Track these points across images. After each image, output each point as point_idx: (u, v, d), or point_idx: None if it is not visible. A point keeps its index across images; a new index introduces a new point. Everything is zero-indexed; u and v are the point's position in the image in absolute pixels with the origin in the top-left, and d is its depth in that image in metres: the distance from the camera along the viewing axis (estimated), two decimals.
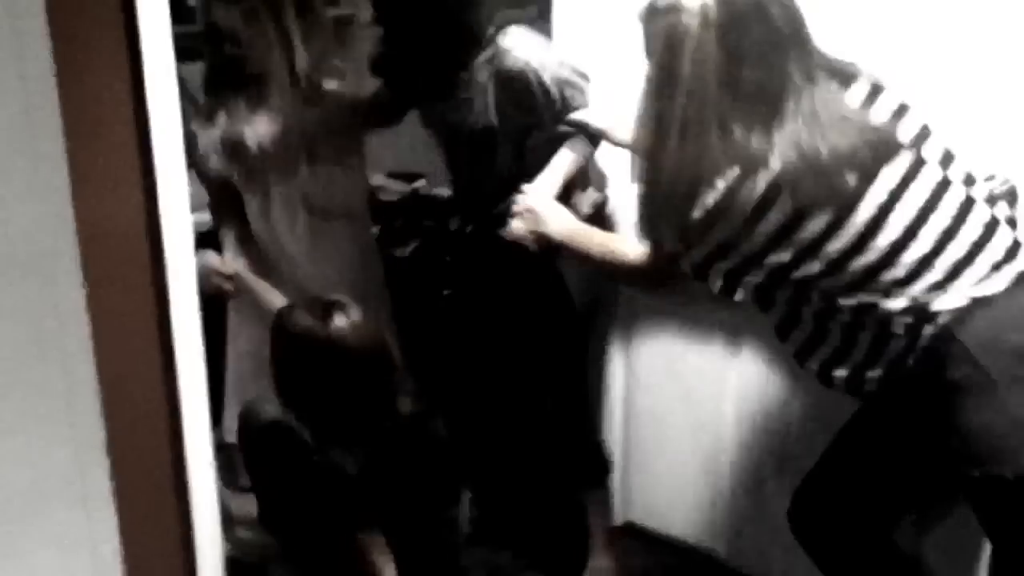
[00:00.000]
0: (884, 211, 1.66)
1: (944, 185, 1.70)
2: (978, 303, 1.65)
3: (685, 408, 2.50)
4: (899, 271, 1.67)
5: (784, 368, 2.28)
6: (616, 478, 2.68)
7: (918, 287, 1.66)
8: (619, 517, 2.71)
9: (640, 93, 1.78)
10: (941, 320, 1.65)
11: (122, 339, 1.55)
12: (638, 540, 2.68)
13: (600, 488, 2.68)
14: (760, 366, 2.34)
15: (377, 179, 4.14)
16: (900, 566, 1.91)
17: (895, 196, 1.66)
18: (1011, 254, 1.69)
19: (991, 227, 1.71)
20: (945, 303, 1.65)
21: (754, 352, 2.34)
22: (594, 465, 2.69)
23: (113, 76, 1.53)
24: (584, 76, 2.36)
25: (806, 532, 1.96)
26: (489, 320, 2.60)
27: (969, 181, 1.75)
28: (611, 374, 2.63)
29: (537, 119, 2.36)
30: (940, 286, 1.66)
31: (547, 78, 2.31)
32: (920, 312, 1.66)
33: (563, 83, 2.33)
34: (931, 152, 1.73)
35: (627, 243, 2.00)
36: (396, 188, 4.06)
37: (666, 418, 2.54)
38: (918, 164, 1.70)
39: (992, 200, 1.76)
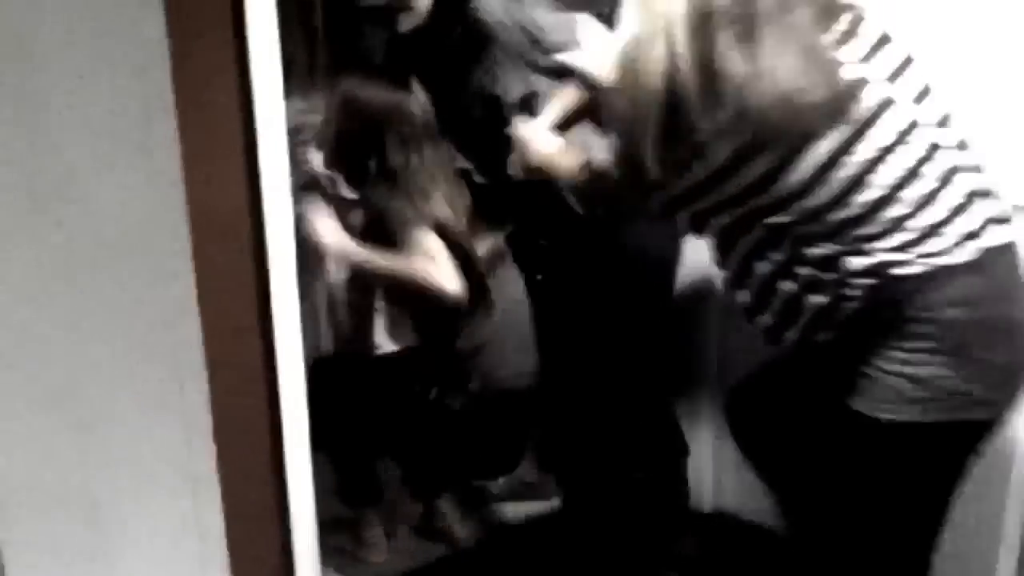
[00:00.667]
0: (870, 167, 1.63)
1: (934, 148, 1.68)
2: (941, 271, 1.66)
3: None
4: (874, 228, 1.65)
5: None
6: (708, 464, 2.67)
7: (886, 246, 1.66)
8: (709, 504, 2.70)
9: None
10: (900, 285, 1.66)
11: (228, 330, 1.60)
12: (728, 527, 2.67)
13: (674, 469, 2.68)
14: None
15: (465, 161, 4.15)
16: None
17: (883, 154, 1.64)
18: (983, 228, 1.69)
19: (971, 196, 1.69)
20: (908, 268, 1.65)
21: None
22: (670, 446, 2.68)
23: (222, 70, 1.57)
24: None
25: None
26: (582, 306, 2.60)
27: (962, 146, 1.72)
28: (709, 361, 2.61)
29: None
30: (906, 248, 1.65)
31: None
32: (882, 274, 1.66)
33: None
34: (927, 113, 1.69)
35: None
36: None
37: None
38: (912, 125, 1.66)
39: (979, 168, 1.73)
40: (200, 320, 1.56)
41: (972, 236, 1.68)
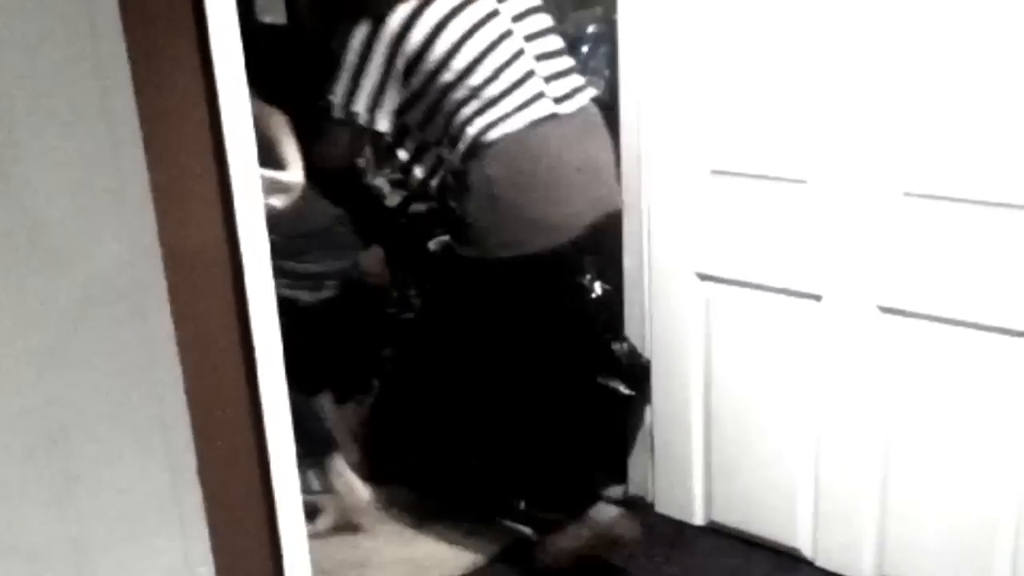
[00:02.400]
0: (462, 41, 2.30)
1: (507, 34, 2.33)
2: (506, 136, 2.29)
3: (768, 403, 2.49)
4: (461, 93, 2.30)
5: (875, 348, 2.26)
6: (699, 477, 2.68)
7: (469, 112, 2.30)
8: (702, 517, 2.71)
9: None
10: (482, 147, 2.30)
11: (208, 368, 1.60)
12: (721, 539, 2.67)
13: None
14: (847, 351, 2.32)
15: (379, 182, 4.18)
16: None
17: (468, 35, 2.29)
18: (535, 99, 2.33)
19: (528, 75, 2.34)
20: (490, 135, 2.30)
21: (841, 344, 2.33)
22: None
23: (192, 108, 1.58)
24: None
25: None
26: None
27: (529, 38, 2.36)
28: (690, 373, 2.62)
29: None
30: (480, 114, 2.30)
31: None
32: (469, 141, 2.31)
33: None
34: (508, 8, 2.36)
35: None
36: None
37: (749, 414, 2.53)
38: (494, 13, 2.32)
39: (540, 57, 2.38)
40: (180, 360, 1.56)
41: (523, 107, 2.31)
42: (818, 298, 2.32)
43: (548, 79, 2.38)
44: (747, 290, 2.44)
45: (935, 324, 2.14)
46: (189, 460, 1.57)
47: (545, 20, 2.44)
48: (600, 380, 2.73)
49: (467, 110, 2.31)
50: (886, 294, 2.20)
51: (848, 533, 2.40)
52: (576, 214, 2.37)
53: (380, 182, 4.13)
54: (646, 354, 2.71)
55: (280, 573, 1.72)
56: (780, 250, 2.36)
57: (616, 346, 2.74)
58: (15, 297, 1.42)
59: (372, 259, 3.74)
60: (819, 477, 2.42)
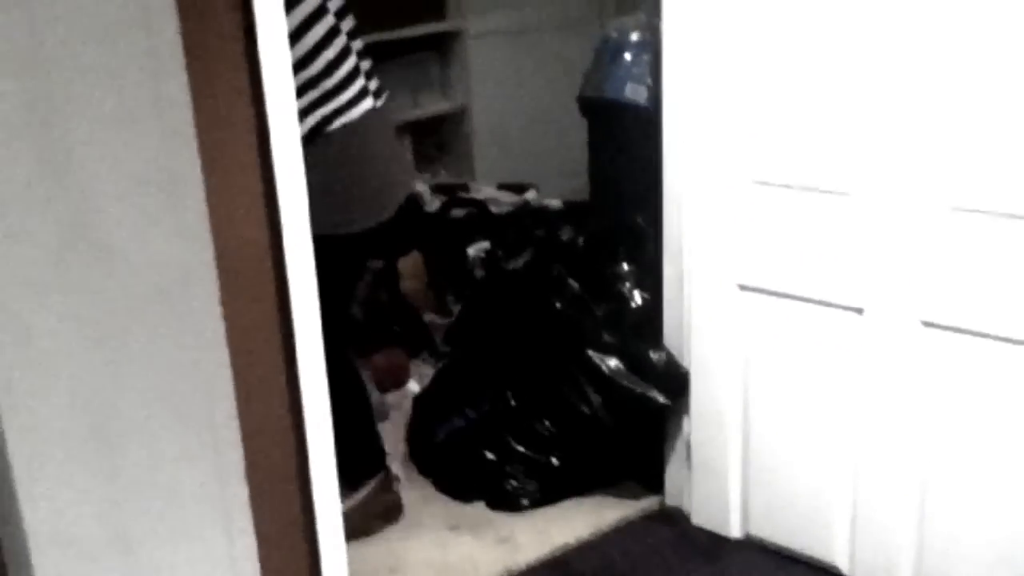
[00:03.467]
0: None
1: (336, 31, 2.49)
2: (344, 127, 2.50)
3: (807, 416, 2.47)
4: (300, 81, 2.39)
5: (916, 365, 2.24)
6: (736, 490, 2.66)
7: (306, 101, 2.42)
8: (739, 530, 2.69)
9: None
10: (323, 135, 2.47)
11: (254, 364, 1.61)
12: (757, 553, 2.65)
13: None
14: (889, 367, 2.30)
15: (488, 191, 4.19)
16: None
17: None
18: (363, 92, 2.54)
19: (356, 70, 2.53)
20: (332, 125, 2.49)
21: (880, 361, 2.30)
22: None
23: (241, 108, 1.60)
24: None
25: None
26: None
27: (351, 35, 2.53)
28: (729, 384, 2.61)
29: None
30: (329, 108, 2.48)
31: None
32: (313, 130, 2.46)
33: None
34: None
35: None
36: (506, 199, 4.10)
37: (787, 427, 2.51)
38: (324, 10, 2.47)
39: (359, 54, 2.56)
40: (231, 365, 1.57)
41: (355, 100, 2.50)
42: (860, 311, 2.30)
43: (367, 75, 2.58)
44: (788, 301, 2.42)
45: (980, 340, 2.12)
46: (236, 459, 1.58)
47: (353, 20, 2.62)
48: (637, 388, 2.73)
49: (304, 100, 2.41)
50: (930, 308, 2.18)
51: (886, 550, 2.37)
52: (393, 196, 2.70)
53: (420, 187, 4.16)
54: (685, 364, 2.70)
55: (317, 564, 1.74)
56: (822, 262, 2.34)
57: (654, 355, 2.74)
58: (70, 292, 1.45)
59: (410, 263, 3.77)
60: (857, 492, 2.40)
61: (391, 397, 3.41)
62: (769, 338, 2.50)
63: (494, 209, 3.96)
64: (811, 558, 2.53)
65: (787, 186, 2.37)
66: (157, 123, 1.48)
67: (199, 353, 1.55)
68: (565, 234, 3.11)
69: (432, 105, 4.62)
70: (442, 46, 4.62)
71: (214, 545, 1.59)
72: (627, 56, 2.91)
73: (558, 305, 2.89)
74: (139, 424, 1.52)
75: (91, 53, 1.41)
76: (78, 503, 1.48)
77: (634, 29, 2.92)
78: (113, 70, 1.43)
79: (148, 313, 1.50)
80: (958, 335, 2.15)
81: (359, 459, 2.74)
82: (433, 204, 4.05)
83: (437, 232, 3.90)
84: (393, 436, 3.14)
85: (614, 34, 2.98)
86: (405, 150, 2.80)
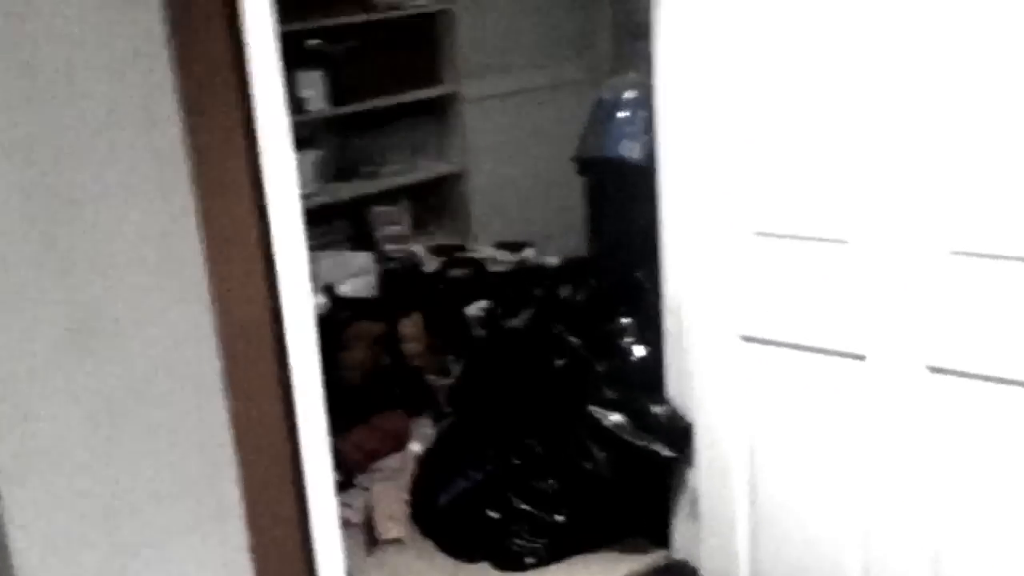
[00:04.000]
0: None
1: None
2: None
3: (813, 466, 2.45)
4: None
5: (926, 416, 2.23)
6: (743, 543, 2.64)
7: None
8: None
9: None
10: None
11: (260, 446, 1.60)
12: None
13: None
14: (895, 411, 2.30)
15: (486, 250, 4.21)
16: None
17: None
18: None
19: None
20: None
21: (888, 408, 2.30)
22: None
23: (242, 191, 1.61)
24: None
25: None
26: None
27: None
28: (733, 436, 2.60)
29: None
30: None
31: None
32: None
33: None
34: None
35: None
36: (504, 258, 4.12)
37: (794, 477, 2.50)
38: None
39: None
40: (233, 441, 1.57)
41: None
42: (862, 358, 2.30)
43: None
44: (791, 351, 2.42)
45: (988, 384, 2.11)
46: (241, 543, 1.56)
47: None
48: (640, 442, 2.72)
49: None
50: (935, 353, 2.18)
51: None
52: None
53: (417, 248, 4.18)
54: (688, 417, 2.69)
55: None
56: (824, 310, 2.35)
57: (657, 409, 2.73)
58: (72, 379, 1.44)
59: (410, 324, 3.77)
60: (868, 544, 2.37)
61: (393, 460, 3.38)
62: (773, 388, 2.49)
63: (492, 268, 3.98)
64: None
65: (786, 236, 2.38)
66: (159, 201, 1.49)
67: (204, 436, 1.54)
68: (564, 291, 3.12)
69: (430, 167, 4.67)
70: (439, 110, 4.67)
71: None
72: (622, 114, 2.94)
73: (558, 362, 2.90)
74: (144, 508, 1.50)
75: (94, 136, 1.43)
76: None
77: (628, 88, 2.96)
78: (116, 152, 1.44)
79: (152, 396, 1.49)
80: (967, 380, 2.14)
81: None
82: (432, 265, 4.06)
83: (436, 293, 3.90)
84: (397, 498, 3.11)
85: (608, 94, 3.02)
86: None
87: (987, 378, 2.11)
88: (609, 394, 2.78)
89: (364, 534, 2.99)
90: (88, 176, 1.43)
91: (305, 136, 3.94)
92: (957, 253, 2.12)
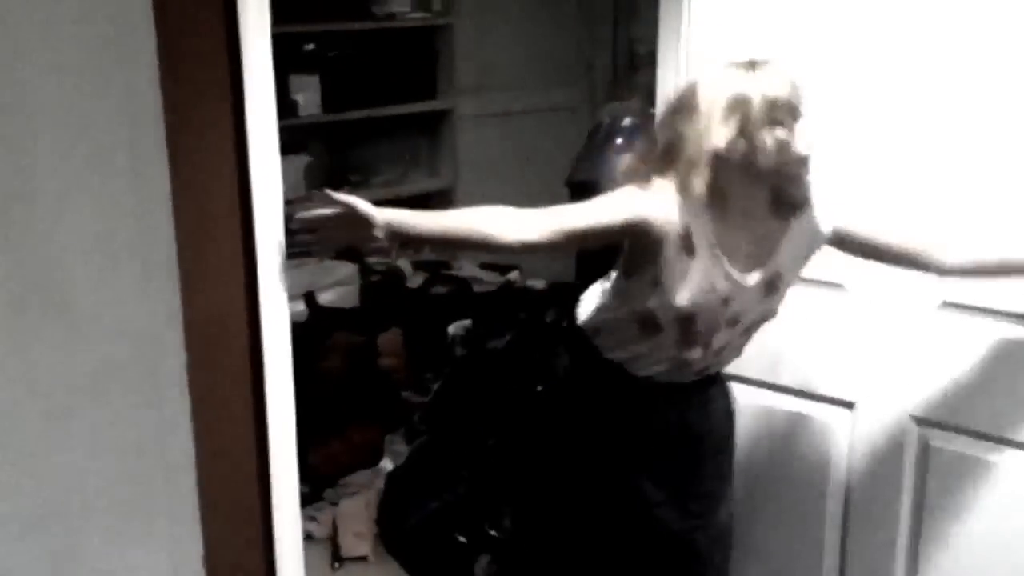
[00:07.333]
0: None
1: None
2: None
3: (795, 509, 2.41)
4: None
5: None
6: None
7: None
8: None
9: None
10: None
11: (222, 446, 1.54)
12: None
13: None
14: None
15: (470, 269, 4.17)
16: None
17: None
18: None
19: None
20: None
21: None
22: None
23: (222, 171, 1.56)
24: None
25: None
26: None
27: None
28: None
29: None
30: None
31: None
32: None
33: None
34: None
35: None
36: (489, 279, 4.08)
37: (775, 518, 2.45)
38: None
39: None
40: (194, 443, 1.51)
41: None
42: (851, 405, 2.26)
43: None
44: (776, 394, 2.39)
45: (972, 439, 2.09)
46: (195, 547, 1.50)
47: None
48: None
49: None
50: (921, 404, 2.15)
51: None
52: None
53: (402, 263, 4.13)
54: None
55: None
56: (814, 355, 2.32)
57: None
58: (30, 364, 1.38)
59: (389, 339, 3.72)
60: None
61: (363, 475, 3.32)
62: (757, 430, 2.45)
63: (477, 288, 3.93)
64: None
65: None
66: (131, 183, 1.43)
67: (162, 433, 1.49)
68: (550, 315, 3.07)
69: (420, 182, 4.63)
70: (432, 125, 4.64)
71: None
72: (619, 141, 2.92)
73: (539, 388, 2.85)
74: (93, 505, 1.43)
75: (68, 114, 1.37)
76: None
77: (628, 114, 2.94)
78: (89, 126, 1.39)
79: (111, 387, 1.44)
80: (951, 434, 2.12)
81: None
82: (415, 280, 4.01)
83: (418, 309, 3.85)
84: (365, 515, 3.05)
85: (607, 119, 3.00)
86: None
87: (971, 432, 2.10)
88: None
89: (328, 549, 2.95)
90: (58, 144, 1.37)
91: (296, 141, 3.89)
92: (948, 304, 2.10)
